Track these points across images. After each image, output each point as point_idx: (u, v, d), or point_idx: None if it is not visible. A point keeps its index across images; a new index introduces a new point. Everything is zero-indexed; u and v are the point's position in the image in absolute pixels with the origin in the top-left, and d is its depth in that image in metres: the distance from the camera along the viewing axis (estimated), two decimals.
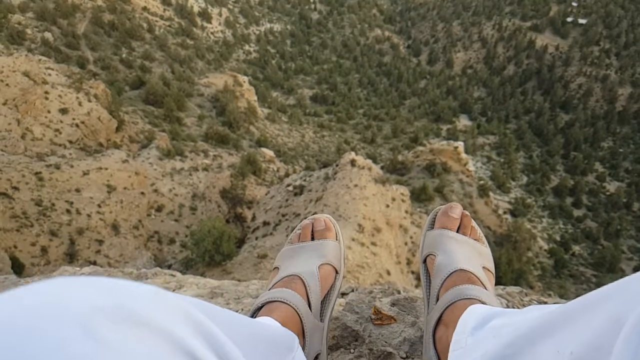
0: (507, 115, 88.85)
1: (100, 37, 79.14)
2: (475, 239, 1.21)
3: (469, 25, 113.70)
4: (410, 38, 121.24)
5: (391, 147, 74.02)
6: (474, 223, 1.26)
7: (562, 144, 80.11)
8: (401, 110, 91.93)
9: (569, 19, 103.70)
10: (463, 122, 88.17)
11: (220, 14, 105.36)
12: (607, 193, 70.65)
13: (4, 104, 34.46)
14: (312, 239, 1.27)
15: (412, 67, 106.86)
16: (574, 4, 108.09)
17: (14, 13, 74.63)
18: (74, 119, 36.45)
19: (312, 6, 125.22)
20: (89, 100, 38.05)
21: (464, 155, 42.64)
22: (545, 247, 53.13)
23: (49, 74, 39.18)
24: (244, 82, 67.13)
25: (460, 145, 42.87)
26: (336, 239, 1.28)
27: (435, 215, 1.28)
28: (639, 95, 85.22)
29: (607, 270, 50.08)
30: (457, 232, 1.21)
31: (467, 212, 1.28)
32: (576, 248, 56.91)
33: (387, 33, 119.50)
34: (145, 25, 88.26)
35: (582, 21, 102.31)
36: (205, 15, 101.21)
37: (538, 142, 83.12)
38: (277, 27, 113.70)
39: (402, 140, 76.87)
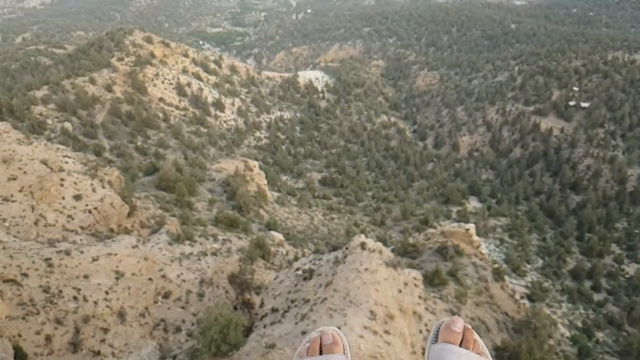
0: (517, 197, 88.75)
1: (117, 126, 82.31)
2: (478, 353, 1.26)
3: (472, 110, 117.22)
4: (415, 123, 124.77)
5: (401, 229, 73.51)
6: (476, 336, 1.32)
7: (575, 225, 79.12)
8: (410, 192, 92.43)
9: (572, 103, 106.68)
10: (473, 204, 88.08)
11: (233, 104, 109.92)
12: (627, 276, 68.50)
13: (20, 190, 35.18)
14: (321, 352, 1.32)
15: (418, 150, 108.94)
16: (575, 88, 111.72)
17: (37, 105, 78.46)
18: (87, 205, 36.95)
19: (321, 95, 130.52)
20: (103, 187, 38.77)
21: (475, 238, 42.05)
22: (567, 334, 50.68)
23: (66, 162, 40.31)
24: (255, 166, 68.50)
25: (471, 227, 42.43)
26: (343, 353, 1.33)
27: (439, 328, 1.33)
28: None
29: (635, 359, 47.32)
30: (460, 345, 1.25)
31: (469, 326, 1.33)
32: (600, 335, 54.27)
33: (393, 119, 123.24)
34: (161, 114, 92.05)
35: (584, 105, 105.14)
36: (218, 105, 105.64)
37: (551, 224, 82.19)
38: (287, 114, 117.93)
39: (412, 222, 76.51)
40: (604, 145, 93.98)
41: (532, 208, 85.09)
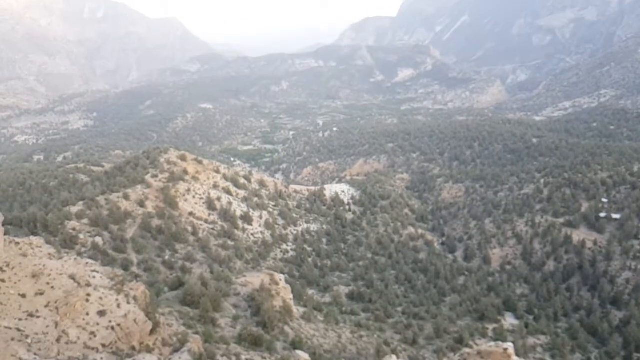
0: (556, 314, 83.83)
1: (146, 241, 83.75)
2: None
3: (501, 222, 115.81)
4: (443, 235, 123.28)
5: (435, 348, 69.29)
6: None
7: (621, 344, 73.32)
8: (442, 308, 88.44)
9: (602, 215, 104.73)
10: (509, 320, 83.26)
11: (260, 217, 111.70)
12: None
13: (46, 306, 35.09)
14: None
15: (448, 263, 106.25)
16: (604, 200, 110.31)
17: (71, 220, 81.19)
18: (110, 321, 36.38)
19: (347, 207, 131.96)
20: (128, 302, 38.42)
21: (515, 358, 39.19)
22: None
23: (94, 276, 40.54)
24: (280, 280, 67.46)
25: (509, 346, 39.75)
26: None
27: None
28: None
29: None
30: None
31: None
32: None
33: (420, 231, 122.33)
34: (190, 228, 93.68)
35: (615, 216, 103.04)
36: (246, 218, 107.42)
37: (594, 343, 76.36)
38: (313, 227, 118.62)
39: (446, 341, 72.21)
40: None
41: (572, 325, 79.83)
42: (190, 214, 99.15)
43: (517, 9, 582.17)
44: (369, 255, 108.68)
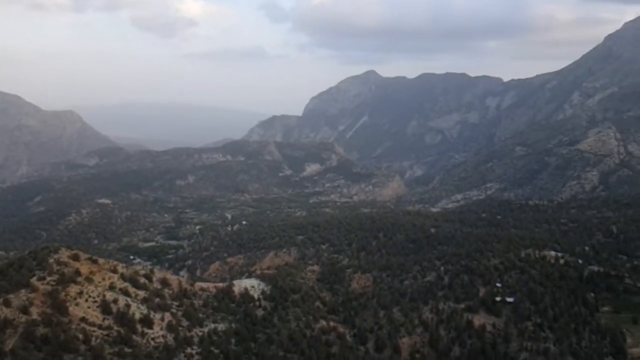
0: None
1: (29, 352, 74.70)
2: None
3: (408, 310, 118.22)
4: (355, 327, 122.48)
5: None
6: None
7: None
8: None
9: (498, 299, 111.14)
10: None
11: (162, 319, 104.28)
12: None
13: None
14: None
15: (360, 356, 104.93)
16: (498, 284, 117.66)
17: None
18: None
19: (257, 303, 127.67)
20: None
21: None
22: None
23: None
24: None
25: None
26: None
27: None
28: None
29: None
30: None
31: None
32: None
33: (332, 323, 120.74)
34: (81, 336, 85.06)
35: (509, 300, 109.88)
36: (146, 321, 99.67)
37: None
38: (221, 326, 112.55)
39: None
40: (535, 338, 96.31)
41: None
42: (82, 319, 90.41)
43: (410, 112, 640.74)
44: (281, 354, 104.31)
